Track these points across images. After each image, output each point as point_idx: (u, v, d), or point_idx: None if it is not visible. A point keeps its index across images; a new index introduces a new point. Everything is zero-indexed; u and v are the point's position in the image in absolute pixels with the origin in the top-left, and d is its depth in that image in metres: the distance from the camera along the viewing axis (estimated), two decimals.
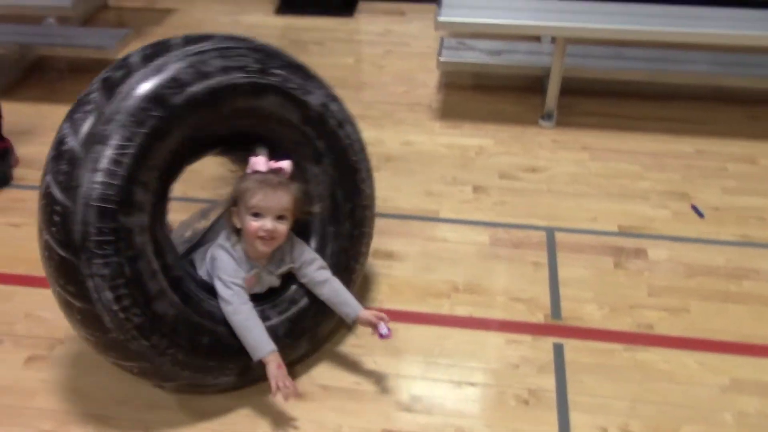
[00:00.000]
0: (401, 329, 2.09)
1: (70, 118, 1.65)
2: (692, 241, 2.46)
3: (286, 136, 1.89)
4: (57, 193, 1.58)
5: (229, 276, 1.76)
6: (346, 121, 1.97)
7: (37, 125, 3.06)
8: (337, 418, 1.83)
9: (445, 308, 2.18)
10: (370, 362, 1.98)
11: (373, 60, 3.73)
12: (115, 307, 1.61)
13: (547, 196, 2.68)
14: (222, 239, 1.82)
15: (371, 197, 2.06)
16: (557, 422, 1.83)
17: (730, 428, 1.82)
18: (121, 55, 3.46)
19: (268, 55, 1.82)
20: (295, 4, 4.25)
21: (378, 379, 1.94)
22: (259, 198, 1.71)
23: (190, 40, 1.75)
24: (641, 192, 2.70)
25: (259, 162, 1.76)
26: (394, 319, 2.10)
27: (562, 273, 2.31)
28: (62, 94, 3.35)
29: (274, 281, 1.88)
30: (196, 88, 1.67)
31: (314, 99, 1.89)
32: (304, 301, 1.92)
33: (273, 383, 1.70)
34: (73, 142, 1.59)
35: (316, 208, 1.92)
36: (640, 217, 2.56)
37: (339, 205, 1.97)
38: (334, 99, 1.96)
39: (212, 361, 1.78)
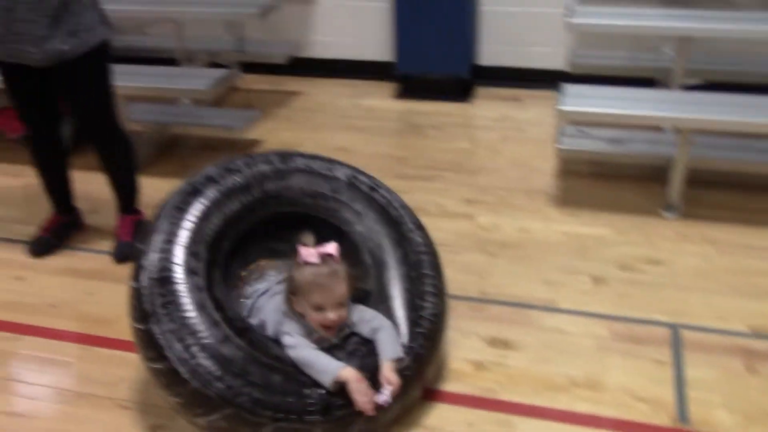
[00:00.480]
0: (517, 422, 2.04)
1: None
2: None
3: (322, 206, 2.18)
4: (131, 280, 1.95)
5: (296, 333, 1.88)
6: (378, 186, 2.26)
7: None
8: None
9: (563, 403, 2.11)
10: None
11: (489, 145, 3.76)
12: (186, 356, 1.78)
13: (671, 290, 2.58)
14: (287, 310, 1.93)
15: (426, 245, 2.21)
16: None
17: None
18: (247, 135, 3.73)
19: (288, 154, 2.26)
20: (414, 90, 4.37)
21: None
22: (318, 296, 1.83)
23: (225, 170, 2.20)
24: None
25: (310, 254, 1.85)
26: (510, 411, 2.07)
27: (688, 373, 2.20)
28: (193, 170, 3.50)
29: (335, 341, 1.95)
30: (228, 182, 2.14)
31: (341, 173, 2.23)
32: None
33: (357, 398, 1.75)
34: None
35: (365, 284, 2.07)
36: None
37: (390, 252, 2.15)
38: (361, 173, 2.27)
39: (290, 397, 1.81)
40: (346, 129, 4.00)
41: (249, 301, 2.12)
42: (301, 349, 1.83)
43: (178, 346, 1.79)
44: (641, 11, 3.41)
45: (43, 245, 2.88)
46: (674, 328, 2.40)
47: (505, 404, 2.11)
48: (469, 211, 3.10)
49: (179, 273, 1.91)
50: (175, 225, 2.01)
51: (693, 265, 2.72)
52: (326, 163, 2.26)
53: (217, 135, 3.72)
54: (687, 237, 2.89)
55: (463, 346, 2.33)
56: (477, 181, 3.39)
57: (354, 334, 1.95)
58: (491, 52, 4.42)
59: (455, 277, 2.48)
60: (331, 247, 1.88)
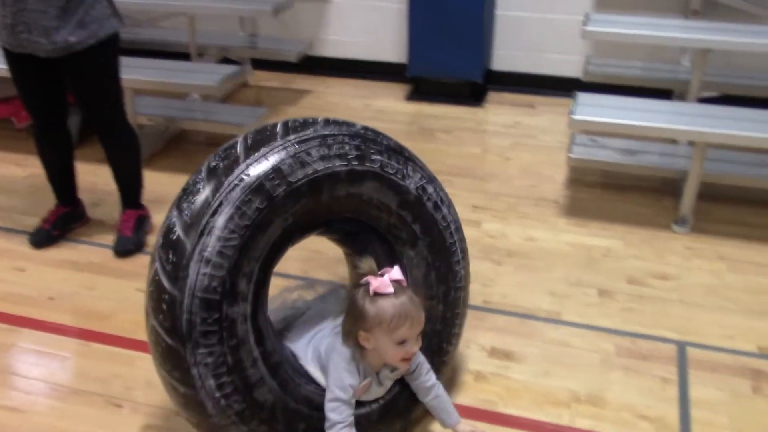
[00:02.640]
0: None
1: (177, 206, 1.69)
2: None
3: (383, 220, 1.89)
4: (165, 282, 1.63)
5: (340, 390, 1.73)
6: (442, 203, 1.97)
7: (173, 195, 3.21)
8: None
9: (564, 419, 2.07)
10: None
11: (500, 151, 3.73)
12: (218, 395, 1.65)
13: (679, 306, 2.54)
14: (341, 346, 1.77)
15: (466, 278, 2.05)
16: None
17: None
18: None
19: (367, 141, 1.83)
20: (426, 92, 4.34)
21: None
22: (405, 329, 1.68)
23: (291, 127, 1.78)
24: None
25: (384, 285, 1.68)
26: (509, 425, 2.04)
27: (694, 393, 2.16)
28: (198, 165, 3.51)
29: (382, 391, 1.85)
30: (296, 178, 1.71)
31: (412, 183, 1.89)
32: (396, 388, 1.91)
33: None
34: (180, 232, 1.64)
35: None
36: None
37: (433, 287, 1.95)
38: (431, 180, 1.96)
39: None
40: None
41: (286, 313, 2.04)
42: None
43: (210, 382, 1.65)
44: (659, 21, 3.37)
45: (45, 237, 2.87)
46: (681, 345, 2.36)
47: (505, 417, 2.07)
48: (476, 217, 3.07)
49: (228, 299, 1.65)
50: (232, 236, 1.65)
51: (702, 281, 2.68)
52: (401, 165, 1.88)
53: (225, 132, 3.68)
54: (697, 252, 2.85)
55: (465, 356, 2.29)
56: (486, 187, 3.36)
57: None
58: (505, 57, 4.40)
59: None
60: (398, 272, 1.73)
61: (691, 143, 3.13)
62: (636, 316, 2.49)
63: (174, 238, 1.65)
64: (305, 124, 1.79)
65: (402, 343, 1.69)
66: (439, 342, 1.98)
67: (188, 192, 1.70)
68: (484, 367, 2.25)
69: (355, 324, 1.70)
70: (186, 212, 1.66)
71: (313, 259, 2.70)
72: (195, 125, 3.74)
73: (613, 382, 2.21)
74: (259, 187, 1.67)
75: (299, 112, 4.18)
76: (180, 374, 1.65)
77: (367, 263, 1.74)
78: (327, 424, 1.72)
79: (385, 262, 1.89)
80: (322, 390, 1.81)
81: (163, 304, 1.63)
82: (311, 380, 1.82)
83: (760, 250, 2.86)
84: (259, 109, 3.80)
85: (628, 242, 2.92)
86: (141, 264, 2.77)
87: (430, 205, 1.92)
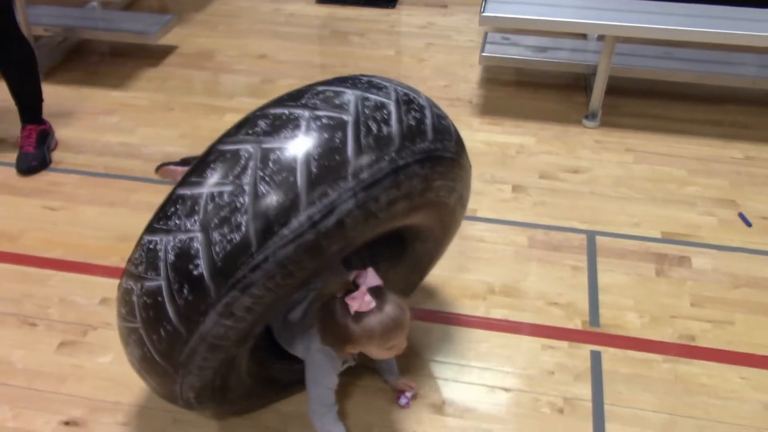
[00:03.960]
0: (436, 330, 2.07)
1: (204, 226, 1.31)
2: (738, 250, 2.39)
3: (413, 231, 1.71)
4: (171, 314, 1.35)
5: (327, 380, 1.66)
6: (467, 201, 1.80)
7: (77, 108, 3.10)
8: (368, 418, 1.82)
9: (480, 310, 2.14)
10: (403, 361, 1.95)
11: (414, 53, 3.70)
12: (192, 401, 1.57)
13: (589, 198, 2.63)
14: (323, 347, 1.63)
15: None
16: None
17: None
18: (161, 41, 3.55)
19: (436, 164, 1.49)
20: None
21: (412, 380, 1.91)
22: (396, 339, 1.55)
23: (364, 147, 1.37)
24: (687, 198, 2.63)
25: (366, 303, 1.50)
26: (428, 319, 2.09)
27: (602, 279, 2.26)
28: (102, 77, 3.38)
29: (355, 359, 1.75)
30: (356, 234, 1.40)
31: (454, 197, 1.65)
32: None
33: None
34: (205, 272, 1.31)
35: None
36: (685, 224, 2.50)
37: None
38: (467, 183, 1.72)
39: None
40: (267, 35, 3.86)
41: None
42: (322, 417, 1.67)
43: (190, 395, 1.53)
44: None
45: None
46: (590, 234, 2.45)
47: (423, 312, 2.13)
48: None
49: (239, 343, 1.46)
50: (267, 293, 1.37)
51: (611, 173, 2.77)
52: (450, 182, 1.59)
53: (128, 41, 3.53)
54: (606, 146, 2.93)
55: None
56: None
57: None
58: None
59: None
60: (373, 277, 1.53)
61: (600, 38, 3.16)
62: (548, 209, 2.56)
63: (195, 273, 1.31)
64: (379, 143, 1.38)
65: (392, 346, 1.58)
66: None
67: (222, 217, 1.31)
68: None
69: (338, 341, 1.56)
70: (218, 250, 1.30)
71: None
72: (96, 35, 3.55)
73: (527, 273, 2.28)
74: (315, 246, 1.34)
75: (207, 19, 4.03)
76: (160, 383, 1.51)
77: (341, 274, 1.59)
78: (321, 411, 1.67)
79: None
80: (290, 366, 1.79)
81: (161, 330, 1.38)
82: (281, 356, 1.76)
83: (664, 141, 2.96)
84: (165, 16, 3.63)
85: (540, 138, 2.97)
86: (46, 181, 2.67)
87: (459, 210, 1.76)
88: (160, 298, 1.35)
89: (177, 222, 1.33)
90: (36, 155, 2.71)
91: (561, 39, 3.42)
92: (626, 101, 3.22)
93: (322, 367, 1.64)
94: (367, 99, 1.42)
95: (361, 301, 1.49)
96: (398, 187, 1.41)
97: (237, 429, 1.80)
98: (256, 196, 1.30)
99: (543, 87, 3.35)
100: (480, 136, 2.99)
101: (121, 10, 3.95)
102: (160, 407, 1.83)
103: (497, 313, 2.13)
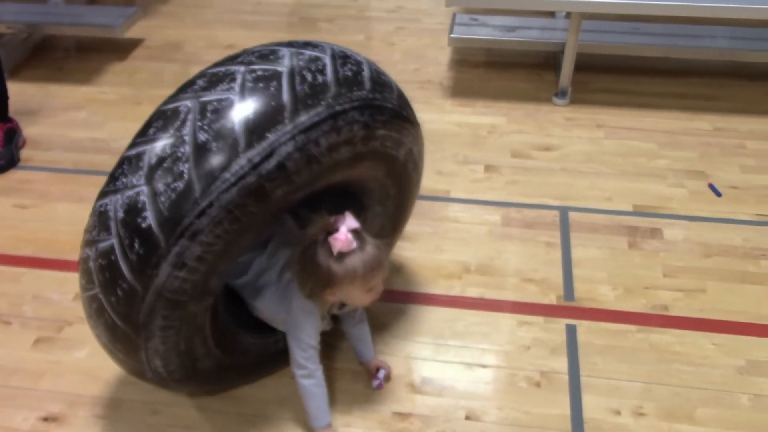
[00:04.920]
0: (412, 310, 2.08)
1: (148, 179, 1.36)
2: (709, 220, 2.43)
3: (364, 187, 1.74)
4: (125, 271, 1.38)
5: (310, 338, 1.67)
6: (420, 160, 1.83)
7: (44, 105, 3.07)
8: (347, 399, 1.83)
9: (456, 290, 2.16)
10: (379, 343, 1.97)
11: (384, 37, 3.70)
12: (161, 371, 1.57)
13: (561, 175, 2.65)
14: (303, 301, 1.65)
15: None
16: (569, 404, 1.82)
17: (747, 411, 1.81)
18: (127, 34, 3.51)
19: (376, 112, 1.53)
20: None
21: (388, 360, 1.93)
22: (376, 279, 1.60)
23: (300, 97, 1.42)
24: (657, 171, 2.66)
25: (347, 241, 1.54)
26: (405, 300, 2.11)
27: (576, 253, 2.29)
28: (69, 73, 3.35)
29: (327, 325, 1.75)
30: (300, 178, 1.44)
31: (403, 150, 1.68)
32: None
33: None
34: (153, 223, 1.35)
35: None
36: (655, 197, 2.53)
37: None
38: (417, 139, 1.76)
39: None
40: (235, 24, 3.84)
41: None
42: (308, 379, 1.68)
43: (157, 362, 1.53)
44: None
45: None
46: (563, 210, 2.47)
47: (398, 294, 2.14)
48: None
49: (196, 298, 1.47)
50: (216, 240, 1.40)
51: (582, 149, 2.79)
52: (399, 134, 1.63)
53: (94, 35, 3.50)
54: (577, 122, 2.96)
55: None
56: None
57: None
58: None
59: None
60: (352, 220, 1.57)
61: (568, 15, 3.18)
62: (521, 188, 2.59)
63: (144, 226, 1.35)
64: (314, 90, 1.43)
65: (371, 288, 1.62)
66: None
67: (165, 167, 1.36)
68: None
69: (319, 285, 1.58)
70: (163, 200, 1.34)
71: None
72: (60, 30, 3.51)
73: (501, 251, 2.31)
74: (258, 189, 1.38)
75: (174, 10, 4.00)
76: (125, 352, 1.51)
77: (321, 218, 1.58)
78: (304, 372, 1.68)
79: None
80: (263, 338, 1.80)
81: (118, 290, 1.40)
82: (252, 330, 1.77)
83: (633, 115, 2.99)
84: (129, 9, 3.59)
85: (511, 118, 2.99)
86: (16, 179, 2.65)
87: (411, 167, 1.78)
88: (113, 257, 1.37)
89: (124, 180, 1.38)
90: (3, 154, 2.68)
91: (529, 18, 3.43)
92: (595, 78, 3.25)
93: (304, 326, 1.66)
94: (301, 54, 1.48)
95: (343, 242, 1.53)
96: (338, 132, 1.45)
97: (215, 417, 1.80)
98: (197, 144, 1.35)
99: (513, 67, 3.37)
100: (452, 118, 3.00)
101: (85, 4, 3.90)
102: (138, 399, 1.84)
103: (473, 292, 2.15)
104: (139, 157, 1.38)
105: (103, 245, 1.39)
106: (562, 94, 3.08)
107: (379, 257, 1.58)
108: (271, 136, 1.37)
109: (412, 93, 3.12)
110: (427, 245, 2.33)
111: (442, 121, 2.98)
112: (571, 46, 2.99)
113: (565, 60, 3.03)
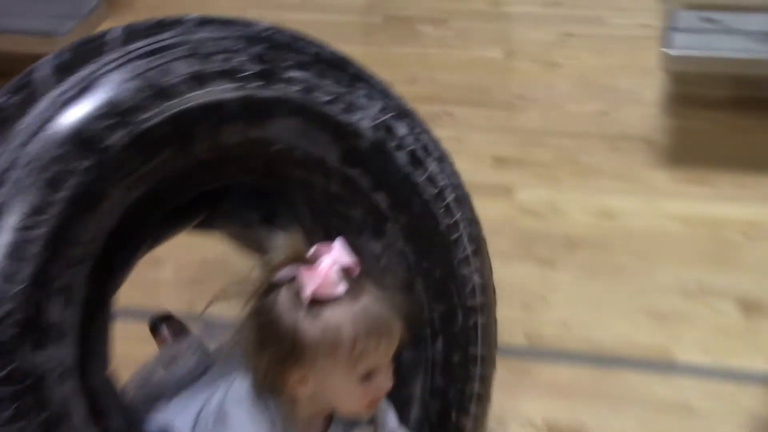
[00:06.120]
0: None
1: None
2: None
3: (316, 188, 1.88)
4: None
5: None
6: (428, 154, 1.94)
7: None
8: None
9: None
10: None
11: (537, 52, 3.78)
12: None
13: None
14: (245, 397, 1.74)
15: (486, 292, 2.01)
16: None
17: None
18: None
19: (278, 48, 1.78)
20: None
21: None
22: (378, 352, 1.61)
23: (135, 31, 1.69)
24: None
25: (330, 281, 1.60)
26: None
27: None
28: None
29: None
30: (148, 115, 1.61)
31: (366, 118, 1.83)
32: None
33: None
34: None
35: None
36: None
37: (424, 306, 1.94)
38: (405, 115, 1.91)
39: None
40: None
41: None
42: None
43: None
44: None
45: None
46: None
47: None
48: (500, 178, 3.08)
49: (28, 336, 1.54)
50: (32, 223, 1.56)
51: None
52: (344, 88, 1.84)
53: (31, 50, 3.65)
54: None
55: None
56: (515, 121, 3.40)
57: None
58: None
59: None
60: (343, 251, 1.64)
61: None
62: None
63: None
64: (162, 25, 1.72)
65: (369, 375, 1.63)
66: (445, 409, 1.98)
67: None
68: None
69: (278, 359, 1.62)
70: None
71: (204, 278, 2.67)
72: None
73: None
74: (78, 134, 1.55)
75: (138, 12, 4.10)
76: None
77: (286, 240, 1.66)
78: None
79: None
80: None
81: None
82: None
83: None
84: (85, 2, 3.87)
85: None
86: None
87: (403, 157, 1.88)
88: None
89: None
90: None
91: None
92: None
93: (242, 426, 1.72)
94: None
95: (321, 279, 1.57)
96: (205, 59, 1.68)
97: None
98: None
99: None
100: (671, 207, 3.00)
101: None
102: None
103: None
104: None
105: None
106: None
107: (378, 314, 1.59)
108: (90, 68, 1.64)
109: (593, 158, 3.18)
110: None
111: (654, 214, 2.97)
112: None
113: None
